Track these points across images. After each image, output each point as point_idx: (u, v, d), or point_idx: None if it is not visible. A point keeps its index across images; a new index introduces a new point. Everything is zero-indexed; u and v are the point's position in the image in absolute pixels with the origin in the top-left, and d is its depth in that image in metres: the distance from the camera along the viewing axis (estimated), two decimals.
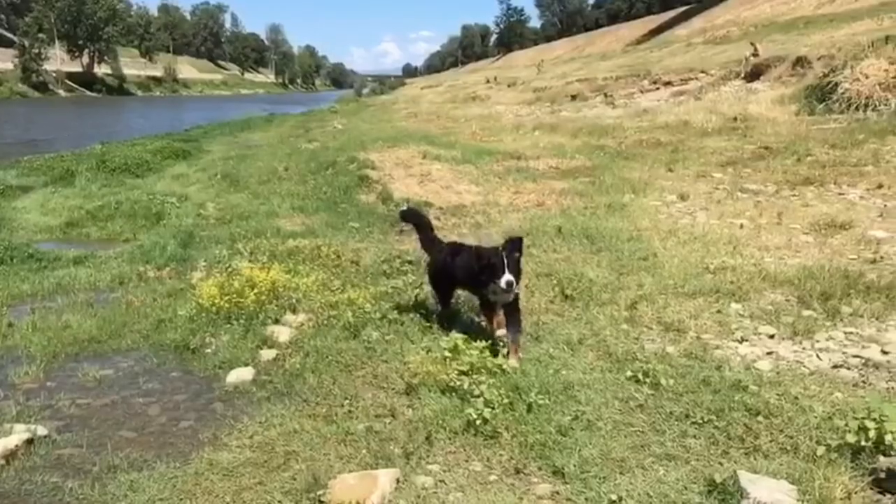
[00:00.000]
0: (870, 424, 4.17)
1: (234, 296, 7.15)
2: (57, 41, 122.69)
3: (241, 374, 5.97)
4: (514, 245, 5.85)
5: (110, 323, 7.19)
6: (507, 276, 5.66)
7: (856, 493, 4.02)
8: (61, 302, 7.97)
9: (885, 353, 5.89)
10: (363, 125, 31.95)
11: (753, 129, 15.94)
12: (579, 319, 6.73)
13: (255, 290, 7.19)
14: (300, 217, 10.79)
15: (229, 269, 7.92)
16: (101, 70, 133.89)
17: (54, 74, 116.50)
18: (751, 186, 11.33)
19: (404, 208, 7.82)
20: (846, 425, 4.36)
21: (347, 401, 5.41)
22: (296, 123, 40.26)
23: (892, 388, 5.31)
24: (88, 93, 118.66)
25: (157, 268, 8.93)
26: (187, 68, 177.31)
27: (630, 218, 9.91)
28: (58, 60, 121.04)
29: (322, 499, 4.19)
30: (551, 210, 10.50)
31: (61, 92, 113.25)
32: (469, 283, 6.36)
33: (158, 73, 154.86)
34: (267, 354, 6.30)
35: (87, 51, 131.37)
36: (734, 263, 7.92)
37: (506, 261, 5.68)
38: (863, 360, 5.78)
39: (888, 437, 4.15)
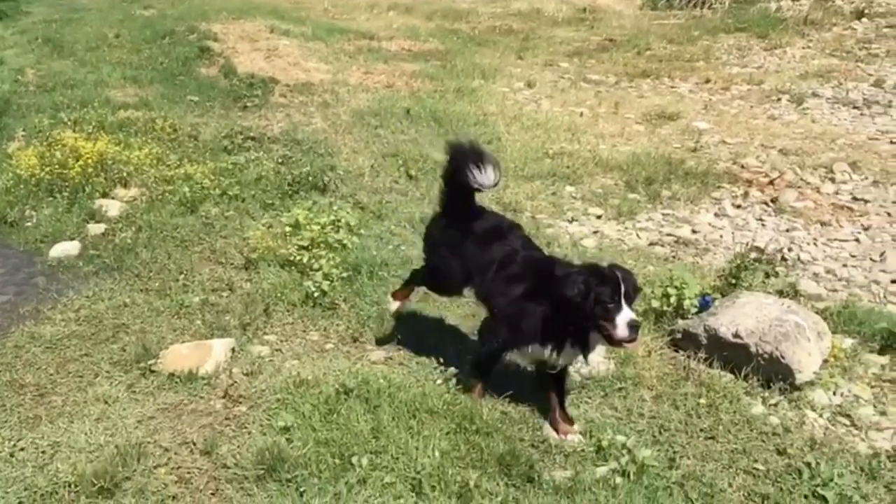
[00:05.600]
0: (672, 291, 4.63)
1: (57, 167, 6.66)
2: None
3: (65, 249, 5.66)
4: (629, 272, 3.74)
5: None
6: (628, 312, 3.50)
7: (655, 351, 4.49)
8: None
9: (695, 232, 6.47)
10: None
11: (601, 20, 16.33)
12: (422, 199, 6.84)
13: (81, 162, 6.72)
14: (133, 88, 10.03)
15: (50, 140, 7.32)
16: None
17: None
18: (593, 77, 11.71)
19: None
20: (652, 293, 4.80)
21: (182, 275, 5.30)
22: None
23: (697, 262, 5.87)
24: None
25: None
26: None
27: (478, 103, 10.01)
28: None
29: (153, 368, 4.15)
30: (401, 92, 10.38)
31: None
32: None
33: None
34: (95, 229, 5.99)
35: None
36: (572, 149, 8.27)
37: (623, 287, 3.51)
38: (675, 239, 6.33)
39: (686, 303, 4.62)
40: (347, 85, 10.55)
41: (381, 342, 4.60)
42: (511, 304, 3.82)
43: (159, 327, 4.68)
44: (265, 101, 9.56)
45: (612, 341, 3.53)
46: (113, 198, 6.49)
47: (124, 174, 6.78)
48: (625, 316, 3.45)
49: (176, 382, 4.08)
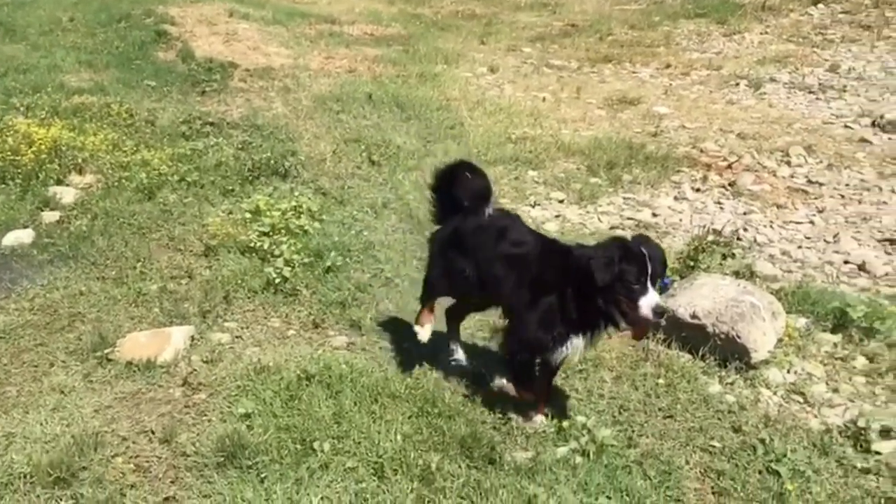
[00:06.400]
0: None
1: (9, 153, 6.49)
2: None
3: (19, 237, 5.52)
4: (656, 248, 3.42)
5: None
6: (654, 296, 3.25)
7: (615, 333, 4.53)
8: None
9: (655, 215, 6.55)
10: None
11: (563, 6, 16.37)
12: (385, 184, 6.82)
13: (34, 149, 6.55)
14: (88, 73, 9.78)
15: (2, 126, 7.12)
16: None
17: None
18: (556, 62, 11.74)
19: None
20: None
21: (140, 263, 5.21)
22: None
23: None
24: None
25: None
26: None
27: (441, 88, 9.98)
28: None
29: (110, 357, 4.09)
30: (363, 77, 10.30)
31: None
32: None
33: None
34: (49, 216, 5.85)
35: None
36: (534, 134, 8.30)
37: (650, 265, 3.25)
38: (636, 222, 6.41)
39: None
40: (308, 70, 10.44)
41: (343, 328, 4.59)
42: (530, 307, 3.55)
43: (116, 316, 4.60)
44: (224, 86, 9.41)
45: (629, 323, 3.32)
46: (67, 185, 6.34)
47: (79, 161, 6.62)
48: (650, 299, 3.21)
49: (134, 371, 4.03)
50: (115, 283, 4.96)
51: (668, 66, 11.31)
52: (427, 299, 4.13)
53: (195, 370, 4.06)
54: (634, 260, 3.21)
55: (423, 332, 4.05)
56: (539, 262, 3.60)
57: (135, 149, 7.06)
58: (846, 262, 5.70)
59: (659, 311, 3.23)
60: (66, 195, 6.13)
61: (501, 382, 4.03)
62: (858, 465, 3.54)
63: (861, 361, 4.39)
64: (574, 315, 3.43)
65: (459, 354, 4.23)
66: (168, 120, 8.06)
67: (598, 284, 3.23)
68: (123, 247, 5.44)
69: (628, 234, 3.62)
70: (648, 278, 3.20)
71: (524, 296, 3.59)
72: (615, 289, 3.24)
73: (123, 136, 7.39)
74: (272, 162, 6.73)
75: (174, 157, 6.86)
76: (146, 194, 6.21)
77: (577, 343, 3.48)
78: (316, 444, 3.43)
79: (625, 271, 3.21)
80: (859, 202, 6.71)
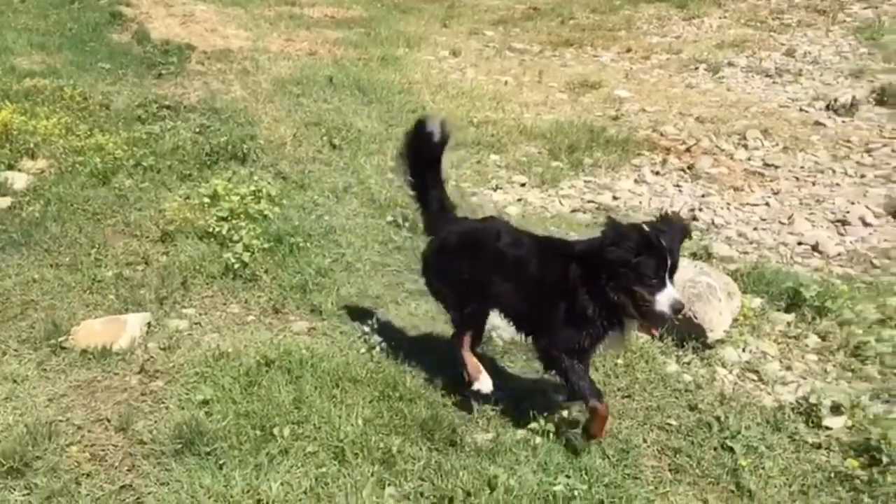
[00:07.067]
0: None
1: None
2: None
3: None
4: (678, 232, 3.24)
5: None
6: (672, 291, 3.08)
7: None
8: None
9: (615, 198, 6.61)
10: None
11: None
12: (346, 168, 6.76)
13: None
14: (40, 55, 9.52)
15: None
16: None
17: None
18: (518, 45, 11.74)
19: None
20: None
21: (95, 249, 5.11)
22: None
23: None
24: None
25: None
26: None
27: (403, 71, 9.91)
28: None
29: (64, 345, 4.01)
30: (324, 59, 10.18)
31: None
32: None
33: None
34: (0, 202, 5.70)
35: None
36: (496, 118, 8.29)
37: (669, 258, 3.07)
38: (597, 205, 6.46)
39: None
40: (268, 52, 10.30)
41: (304, 313, 4.56)
42: (551, 315, 3.34)
43: (70, 303, 4.51)
44: (181, 69, 9.24)
45: (643, 317, 3.12)
46: (19, 170, 6.18)
47: (31, 145, 6.45)
48: (669, 294, 3.02)
49: (89, 359, 3.95)
50: (69, 270, 4.86)
51: (628, 50, 11.38)
52: (459, 333, 3.76)
53: (152, 357, 4.01)
54: (654, 252, 3.00)
55: (484, 380, 3.65)
56: (545, 264, 3.39)
57: (89, 133, 6.90)
58: (800, 244, 5.82)
59: (677, 308, 3.05)
60: (18, 180, 5.98)
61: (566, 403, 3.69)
62: (810, 441, 3.63)
63: (813, 340, 4.50)
64: (594, 312, 3.20)
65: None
66: (123, 103, 7.90)
67: (613, 268, 3.03)
68: (77, 233, 5.32)
69: (650, 216, 3.44)
70: (667, 272, 3.02)
71: (544, 309, 3.37)
72: (630, 280, 3.04)
73: (77, 120, 7.22)
74: (231, 146, 6.63)
75: (130, 142, 6.72)
76: (101, 179, 6.08)
77: (610, 338, 3.32)
78: (276, 430, 3.41)
79: (642, 264, 3.00)
80: (813, 184, 6.85)
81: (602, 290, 3.12)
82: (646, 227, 3.09)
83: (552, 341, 3.38)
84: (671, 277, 3.04)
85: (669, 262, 3.02)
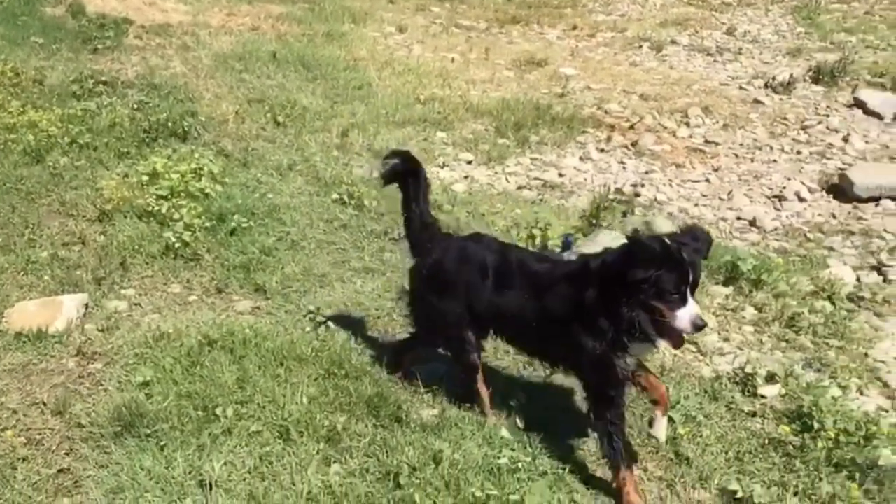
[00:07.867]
0: (536, 233, 4.77)
1: None
2: None
3: None
4: (701, 241, 3.04)
5: None
6: (694, 307, 2.87)
7: None
8: None
9: (561, 175, 6.68)
10: None
11: None
12: (291, 146, 6.67)
13: None
14: None
15: None
16: None
17: None
18: (465, 22, 11.72)
19: None
20: (518, 234, 4.93)
21: (29, 229, 4.95)
22: None
23: (563, 204, 6.07)
24: None
25: None
26: None
27: (348, 47, 9.80)
28: None
29: None
30: (267, 35, 10.00)
31: None
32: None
33: None
34: None
35: None
36: (443, 95, 8.27)
37: (691, 273, 2.86)
38: (542, 182, 6.51)
39: (550, 243, 4.78)
40: (209, 27, 10.07)
41: (247, 292, 4.50)
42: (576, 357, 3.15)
43: (3, 285, 4.36)
44: (118, 44, 8.98)
45: (662, 335, 2.93)
46: None
47: None
48: (690, 310, 2.82)
49: (24, 342, 3.84)
50: (2, 251, 4.70)
51: (574, 27, 11.46)
52: (472, 370, 3.54)
53: (90, 339, 3.91)
54: (675, 266, 2.80)
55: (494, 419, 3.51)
56: (556, 288, 3.16)
57: (21, 109, 6.66)
58: (738, 219, 5.98)
59: (699, 325, 2.84)
60: None
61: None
62: (745, 409, 3.75)
63: (750, 312, 4.63)
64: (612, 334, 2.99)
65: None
66: (57, 79, 7.64)
67: (631, 280, 2.82)
68: (10, 213, 5.15)
69: (674, 227, 3.33)
70: (689, 287, 2.83)
71: (560, 339, 3.15)
72: (649, 295, 2.83)
73: (9, 97, 6.96)
74: (170, 123, 6.48)
75: (64, 119, 6.52)
76: (34, 157, 5.89)
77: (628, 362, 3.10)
78: (219, 410, 3.36)
79: (662, 279, 2.80)
80: (752, 161, 7.02)
81: (619, 309, 2.92)
82: (667, 240, 2.90)
83: (597, 414, 3.14)
84: (692, 293, 2.86)
85: (692, 277, 2.83)
